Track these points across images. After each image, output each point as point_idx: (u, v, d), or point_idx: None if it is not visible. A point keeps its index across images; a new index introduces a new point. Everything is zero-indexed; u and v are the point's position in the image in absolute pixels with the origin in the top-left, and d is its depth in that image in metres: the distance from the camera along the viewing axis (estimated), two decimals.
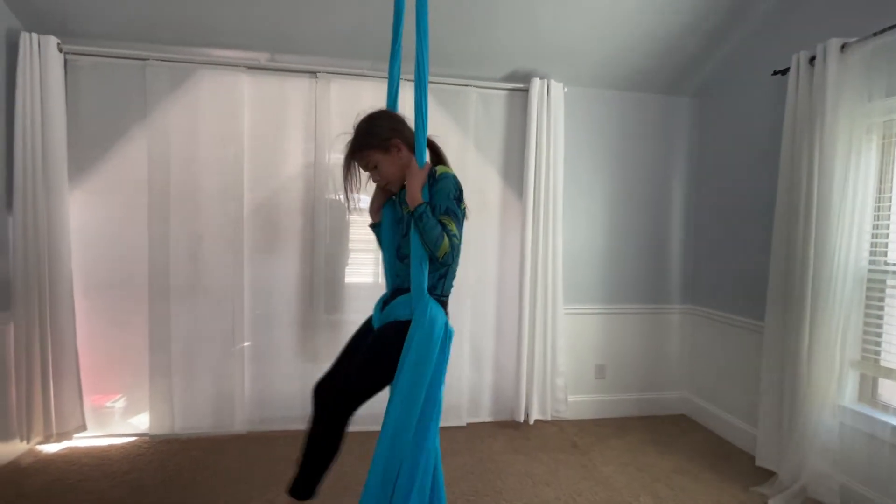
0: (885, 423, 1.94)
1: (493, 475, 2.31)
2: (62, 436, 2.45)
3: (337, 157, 2.66)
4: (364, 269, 2.82)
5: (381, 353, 1.16)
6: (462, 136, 2.81)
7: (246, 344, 2.69)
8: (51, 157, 2.33)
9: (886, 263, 2.05)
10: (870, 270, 2.07)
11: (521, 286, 2.82)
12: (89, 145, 2.50)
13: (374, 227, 1.46)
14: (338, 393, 1.15)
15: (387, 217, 1.41)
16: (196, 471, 2.28)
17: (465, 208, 1.37)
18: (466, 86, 2.79)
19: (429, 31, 1.35)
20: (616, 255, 3.05)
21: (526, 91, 2.81)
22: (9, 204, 2.31)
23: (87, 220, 2.53)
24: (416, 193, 1.24)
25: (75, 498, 2.04)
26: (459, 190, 1.34)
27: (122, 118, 2.52)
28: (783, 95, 2.25)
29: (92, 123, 2.50)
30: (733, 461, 2.51)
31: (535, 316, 2.83)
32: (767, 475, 2.29)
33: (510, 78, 2.85)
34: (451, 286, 1.33)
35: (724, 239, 2.86)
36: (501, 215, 2.93)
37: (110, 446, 2.50)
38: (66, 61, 2.42)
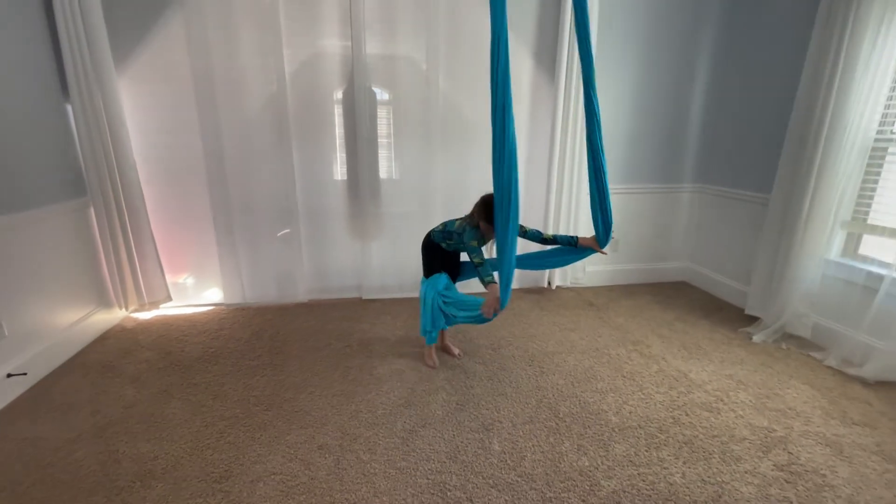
0: (861, 270, 2.32)
1: (526, 324, 2.76)
2: (153, 304, 2.84)
3: (371, 45, 2.68)
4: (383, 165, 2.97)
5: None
6: None
7: (281, 233, 2.92)
8: (94, 41, 2.34)
9: (893, 133, 2.25)
10: (875, 140, 2.28)
11: (550, 171, 3.02)
12: (128, 28, 2.49)
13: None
14: None
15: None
16: (276, 328, 2.70)
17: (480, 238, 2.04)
18: None
19: None
20: (638, 138, 3.21)
21: None
22: (64, 88, 2.38)
23: (139, 109, 2.62)
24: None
25: (186, 345, 2.46)
26: (469, 231, 2.04)
27: None
28: None
29: (126, 4, 2.46)
30: (725, 312, 2.98)
31: (562, 198, 3.08)
32: (753, 320, 2.76)
33: None
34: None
35: (743, 115, 3.00)
36: (532, 99, 3.01)
37: (194, 314, 2.90)
38: None
